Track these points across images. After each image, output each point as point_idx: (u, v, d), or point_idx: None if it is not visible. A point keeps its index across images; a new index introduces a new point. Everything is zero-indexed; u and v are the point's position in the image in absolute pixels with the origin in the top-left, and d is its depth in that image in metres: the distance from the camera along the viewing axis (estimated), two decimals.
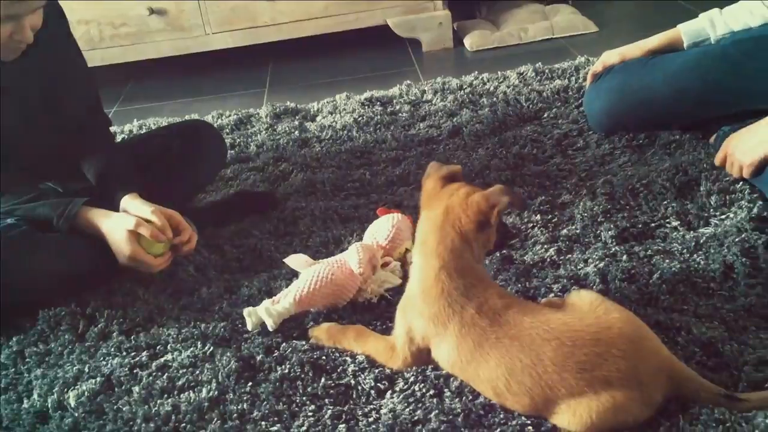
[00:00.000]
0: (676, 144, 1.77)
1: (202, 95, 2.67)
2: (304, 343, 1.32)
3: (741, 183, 1.57)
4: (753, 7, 1.70)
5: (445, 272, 1.14)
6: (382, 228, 1.51)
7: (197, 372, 1.28)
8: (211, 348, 1.33)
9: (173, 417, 1.18)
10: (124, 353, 1.35)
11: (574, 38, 2.71)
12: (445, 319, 1.13)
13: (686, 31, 1.80)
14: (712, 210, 1.51)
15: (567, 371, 1.02)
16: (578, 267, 1.41)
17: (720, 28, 1.76)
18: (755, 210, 1.47)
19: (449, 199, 1.17)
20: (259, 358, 1.30)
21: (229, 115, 2.33)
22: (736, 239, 1.39)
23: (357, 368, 1.23)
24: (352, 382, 1.21)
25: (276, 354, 1.30)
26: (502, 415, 1.10)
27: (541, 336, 1.05)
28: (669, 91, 1.76)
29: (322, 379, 1.23)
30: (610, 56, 1.89)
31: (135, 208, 1.51)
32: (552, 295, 1.34)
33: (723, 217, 1.48)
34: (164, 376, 1.27)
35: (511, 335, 1.07)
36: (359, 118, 2.18)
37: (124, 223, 1.47)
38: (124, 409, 1.22)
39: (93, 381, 1.28)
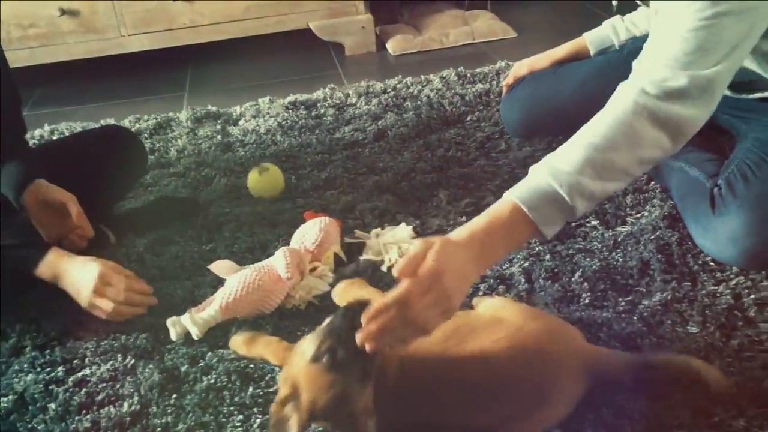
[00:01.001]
0: None
1: (118, 99, 2.58)
2: (230, 352, 1.28)
3: (653, 182, 1.63)
4: (651, 13, 1.78)
5: None
6: (310, 232, 1.49)
7: (118, 386, 1.23)
8: (133, 360, 1.28)
9: None
10: (39, 369, 1.28)
11: (494, 43, 2.76)
12: None
13: (591, 40, 1.87)
14: (628, 209, 1.56)
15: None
16: (504, 267, 1.43)
17: (622, 35, 1.83)
18: (667, 209, 1.53)
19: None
20: (183, 369, 1.26)
21: (148, 120, 2.26)
22: (652, 237, 1.45)
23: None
24: None
25: (201, 364, 1.26)
26: None
27: None
28: (577, 99, 1.82)
29: (250, 388, 1.20)
30: (520, 68, 1.95)
31: (56, 191, 1.47)
32: (481, 293, 1.36)
33: (638, 215, 1.54)
34: (82, 392, 1.22)
35: None
36: (283, 122, 2.16)
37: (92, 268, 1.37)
38: (39, 427, 1.16)
39: (5, 399, 1.22)
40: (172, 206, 1.75)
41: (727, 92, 1.50)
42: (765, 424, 1.04)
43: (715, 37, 1.09)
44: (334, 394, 0.94)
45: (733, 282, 1.32)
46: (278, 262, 1.39)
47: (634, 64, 1.17)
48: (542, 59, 1.93)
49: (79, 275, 1.36)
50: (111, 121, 2.25)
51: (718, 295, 1.30)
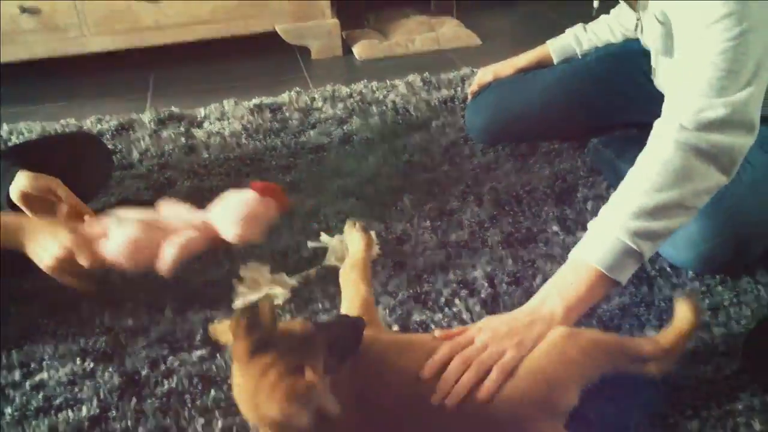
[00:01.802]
0: (555, 153, 1.85)
1: (79, 99, 2.54)
2: (191, 355, 1.27)
3: (612, 189, 1.66)
4: (612, 25, 1.82)
5: None
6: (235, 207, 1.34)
7: (76, 390, 1.21)
8: (92, 364, 1.27)
9: None
10: None
11: (459, 50, 2.79)
12: None
13: (554, 48, 1.91)
14: (588, 215, 1.59)
15: None
16: (467, 271, 1.44)
17: (585, 44, 1.87)
18: None
19: (256, 379, 0.90)
20: (144, 372, 1.24)
21: (110, 121, 2.22)
22: None
23: None
24: None
25: (162, 368, 1.25)
26: None
27: None
28: (539, 107, 1.85)
29: (212, 392, 1.19)
30: (485, 75, 1.98)
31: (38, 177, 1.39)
32: (443, 299, 1.37)
33: None
34: (39, 396, 1.20)
35: None
36: (248, 125, 2.15)
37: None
38: None
39: None
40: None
41: None
42: (718, 424, 1.07)
43: (743, 56, 1.11)
44: None
45: (689, 287, 1.36)
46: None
47: (666, 100, 1.19)
48: (506, 66, 1.96)
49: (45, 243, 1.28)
50: (72, 120, 2.22)
51: (674, 299, 1.33)
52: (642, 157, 1.17)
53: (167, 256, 1.27)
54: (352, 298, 1.19)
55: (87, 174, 1.69)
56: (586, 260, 1.12)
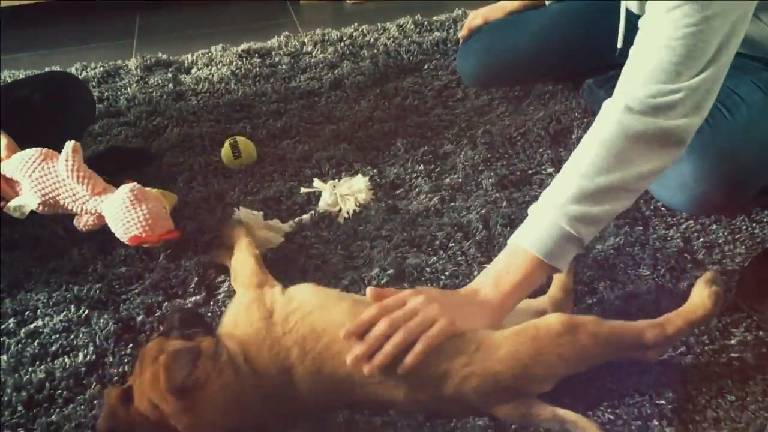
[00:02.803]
0: (550, 94, 1.83)
1: (62, 46, 2.48)
2: (185, 301, 1.27)
3: None
4: None
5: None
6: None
7: (72, 336, 1.21)
8: (86, 311, 1.26)
9: (47, 384, 1.11)
10: None
11: None
12: None
13: None
14: None
15: None
16: (461, 214, 1.44)
17: None
18: None
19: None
20: (139, 318, 1.24)
21: (95, 68, 2.18)
22: None
23: None
24: None
25: (158, 313, 1.25)
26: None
27: None
28: (533, 50, 1.82)
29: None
30: (475, 18, 1.94)
31: None
32: (438, 242, 1.36)
33: None
34: (35, 343, 1.19)
35: None
36: (237, 71, 2.10)
37: None
38: None
39: None
40: (123, 156, 1.71)
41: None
42: (712, 360, 1.08)
43: (704, 42, 1.04)
44: None
45: (683, 226, 1.36)
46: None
47: (620, 80, 1.11)
48: (497, 9, 1.92)
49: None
50: (56, 68, 2.16)
51: (668, 239, 1.33)
52: (585, 138, 1.10)
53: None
54: (240, 271, 1.20)
55: (67, 115, 1.65)
56: (523, 246, 1.06)
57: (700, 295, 1.02)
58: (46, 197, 1.37)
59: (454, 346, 0.99)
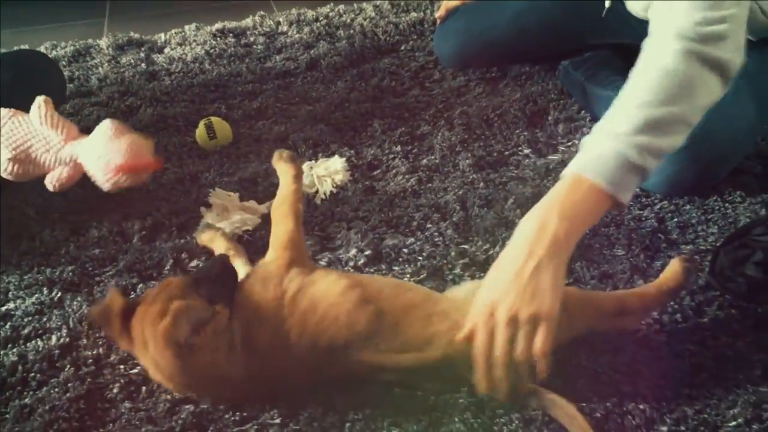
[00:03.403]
0: (526, 76, 1.83)
1: (31, 25, 2.42)
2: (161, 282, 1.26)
3: (583, 111, 1.66)
4: None
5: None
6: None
7: (44, 319, 1.19)
8: (59, 293, 1.24)
9: (20, 367, 1.10)
10: None
11: None
12: None
13: None
14: (559, 137, 1.59)
15: None
16: (438, 195, 1.44)
17: None
18: None
19: (142, 347, 0.99)
20: None
21: (65, 47, 2.13)
22: None
23: None
24: None
25: (133, 296, 1.23)
26: None
27: None
28: (511, 32, 1.81)
29: None
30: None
31: None
32: (415, 223, 1.36)
33: (569, 144, 1.56)
34: (7, 326, 1.18)
35: None
36: (211, 51, 2.07)
37: None
38: None
39: None
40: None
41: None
42: (685, 339, 1.10)
43: None
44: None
45: (657, 207, 1.37)
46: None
47: (657, 16, 1.10)
48: None
49: None
50: (25, 47, 2.12)
51: (643, 219, 1.34)
52: (641, 71, 1.06)
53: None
54: (278, 235, 1.12)
55: (36, 95, 1.62)
56: (587, 177, 0.99)
57: (675, 271, 1.07)
58: (17, 151, 1.31)
59: (437, 309, 1.02)
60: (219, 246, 1.28)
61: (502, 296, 0.95)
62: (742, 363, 1.06)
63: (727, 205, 1.36)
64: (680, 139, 1.05)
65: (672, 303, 1.14)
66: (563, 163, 1.47)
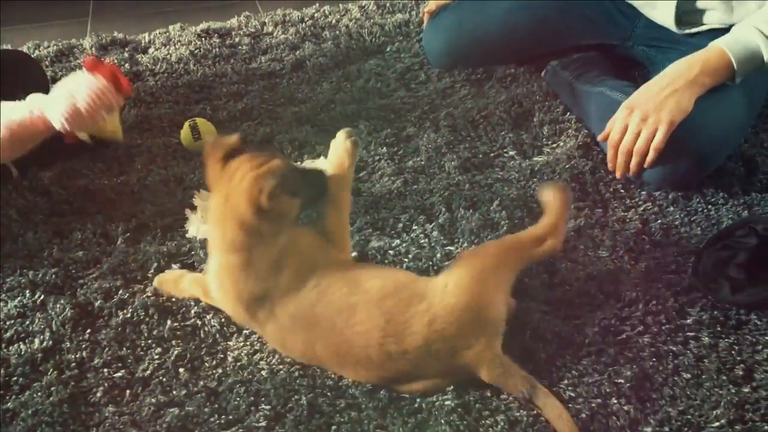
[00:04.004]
0: (512, 77, 1.83)
1: (14, 24, 2.39)
2: (147, 285, 1.25)
3: (569, 113, 1.66)
4: None
5: (235, 271, 1.08)
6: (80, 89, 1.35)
7: (27, 322, 1.18)
8: (42, 296, 1.23)
9: (2, 371, 1.09)
10: None
11: None
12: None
13: None
14: (544, 139, 1.59)
15: None
16: (424, 197, 1.44)
17: None
18: (581, 138, 1.57)
19: (227, 184, 1.08)
20: (97, 304, 1.22)
21: (48, 47, 2.11)
22: (567, 166, 1.49)
23: (200, 310, 1.20)
24: (198, 323, 1.18)
25: (115, 299, 1.23)
26: None
27: None
28: (503, 29, 1.81)
29: (168, 321, 1.18)
30: None
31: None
32: (401, 225, 1.36)
33: (554, 145, 1.57)
34: None
35: None
36: (196, 51, 2.06)
37: None
38: None
39: None
40: (79, 137, 1.66)
41: (669, 27, 1.54)
42: (668, 340, 1.11)
43: None
44: None
45: (641, 208, 1.38)
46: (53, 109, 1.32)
47: None
48: None
49: None
50: (8, 47, 2.10)
51: (627, 220, 1.35)
52: None
53: None
54: (344, 221, 1.18)
55: (19, 95, 1.60)
56: (727, 52, 1.33)
57: (550, 197, 1.13)
58: None
59: (412, 295, 1.04)
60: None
61: (642, 103, 1.34)
62: (724, 364, 1.07)
63: (709, 206, 1.37)
64: None
65: (657, 306, 1.15)
66: (548, 165, 1.49)
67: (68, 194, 1.49)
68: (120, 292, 1.24)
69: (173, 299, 1.22)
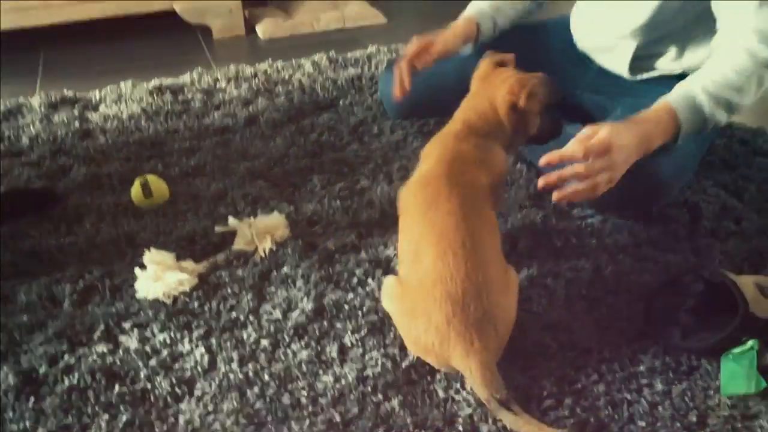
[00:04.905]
0: None
1: None
2: (92, 349, 1.21)
3: (519, 163, 1.69)
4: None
5: (460, 134, 1.30)
6: None
7: None
8: None
9: None
10: None
11: (365, 28, 2.77)
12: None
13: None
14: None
15: None
16: (379, 250, 1.44)
17: (501, 21, 1.85)
18: (532, 188, 1.59)
19: (491, 83, 1.34)
20: (42, 370, 1.18)
21: None
22: (519, 216, 1.51)
23: (149, 372, 1.17)
24: (148, 386, 1.15)
25: (61, 364, 1.18)
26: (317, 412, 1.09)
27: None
28: (458, 79, 1.83)
29: (116, 387, 1.14)
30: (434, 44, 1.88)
31: None
32: (355, 279, 1.36)
33: (506, 196, 1.59)
34: None
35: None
36: (148, 108, 2.06)
37: None
38: None
39: None
40: (25, 197, 1.63)
41: (622, 74, 1.59)
42: (623, 387, 1.11)
43: None
44: None
45: (593, 256, 1.40)
46: None
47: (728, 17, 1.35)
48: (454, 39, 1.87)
49: None
50: None
51: (580, 269, 1.37)
52: (720, 61, 1.33)
53: None
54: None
55: None
56: (666, 100, 1.31)
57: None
58: None
59: None
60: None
61: (616, 155, 1.23)
62: (678, 411, 1.07)
63: (658, 253, 1.40)
64: (735, 114, 1.37)
65: (610, 353, 1.16)
66: (499, 215, 1.50)
67: (13, 256, 1.45)
68: (66, 356, 1.20)
69: (119, 362, 1.19)
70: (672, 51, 1.53)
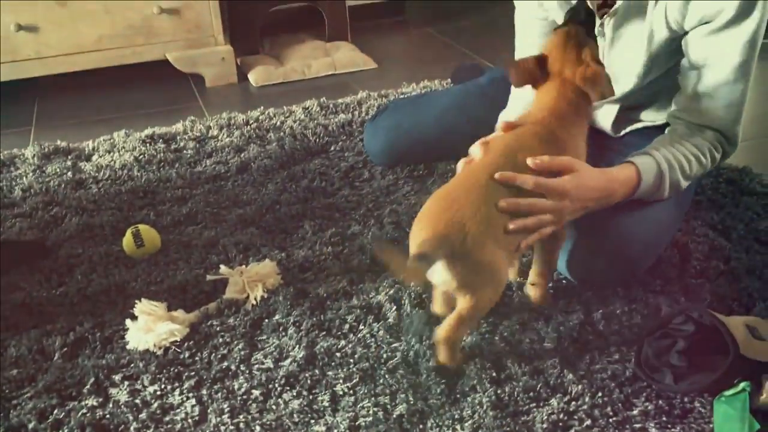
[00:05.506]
0: (452, 173, 1.87)
1: None
2: (81, 404, 1.20)
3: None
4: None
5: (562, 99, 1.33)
6: None
7: None
8: None
9: None
10: None
11: (356, 74, 2.81)
12: None
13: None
14: None
15: None
16: (371, 296, 1.44)
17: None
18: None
19: (567, 58, 1.33)
20: (31, 425, 1.16)
21: None
22: None
23: (140, 426, 1.16)
24: None
25: (51, 419, 1.17)
26: None
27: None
28: (438, 130, 1.87)
29: None
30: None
31: None
32: (347, 326, 1.35)
33: None
34: None
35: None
36: (140, 157, 2.07)
37: None
38: None
39: None
40: (16, 250, 1.63)
41: (605, 129, 1.60)
42: None
43: None
44: None
45: (583, 297, 1.40)
46: None
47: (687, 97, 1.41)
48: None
49: None
50: None
51: (570, 311, 1.37)
52: (679, 141, 1.39)
53: None
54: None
55: None
56: (633, 161, 1.35)
57: None
58: None
59: None
60: None
61: (580, 193, 1.28)
62: None
63: (649, 294, 1.40)
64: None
65: (603, 397, 1.16)
66: None
67: (3, 309, 1.45)
68: (55, 411, 1.19)
69: (109, 415, 1.18)
70: (654, 105, 1.55)
